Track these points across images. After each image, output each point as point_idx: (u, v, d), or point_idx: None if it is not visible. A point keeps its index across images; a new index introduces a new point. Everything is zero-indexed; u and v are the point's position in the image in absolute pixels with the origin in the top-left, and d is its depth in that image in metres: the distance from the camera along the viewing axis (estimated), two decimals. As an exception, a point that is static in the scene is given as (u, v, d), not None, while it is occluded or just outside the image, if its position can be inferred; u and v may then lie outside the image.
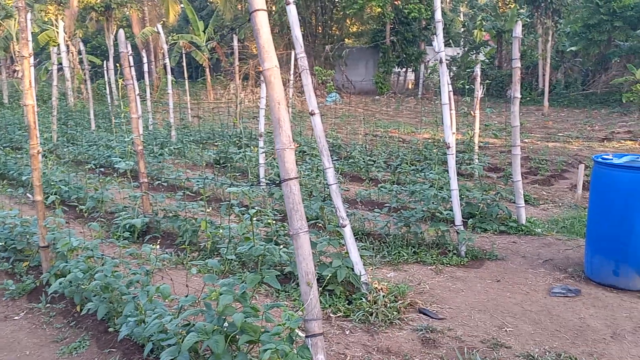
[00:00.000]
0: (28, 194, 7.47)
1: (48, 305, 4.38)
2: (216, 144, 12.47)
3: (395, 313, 4.11)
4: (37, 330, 4.05)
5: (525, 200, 6.63)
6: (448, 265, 5.21)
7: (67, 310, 4.26)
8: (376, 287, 4.41)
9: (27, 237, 5.19)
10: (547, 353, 3.54)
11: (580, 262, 5.08)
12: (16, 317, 4.27)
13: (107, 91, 18.14)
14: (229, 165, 10.14)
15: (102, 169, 8.42)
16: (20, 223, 5.27)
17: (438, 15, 5.40)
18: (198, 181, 7.62)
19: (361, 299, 4.27)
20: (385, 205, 6.57)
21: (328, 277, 4.31)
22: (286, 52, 20.55)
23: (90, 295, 3.99)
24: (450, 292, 4.58)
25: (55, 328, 4.05)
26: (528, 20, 24.62)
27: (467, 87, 7.26)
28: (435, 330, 3.88)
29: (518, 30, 6.24)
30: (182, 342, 2.99)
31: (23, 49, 4.66)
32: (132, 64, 6.84)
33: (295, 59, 4.56)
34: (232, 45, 14.33)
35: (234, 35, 14.57)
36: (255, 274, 3.14)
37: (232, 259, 4.92)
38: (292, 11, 4.41)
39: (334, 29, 31.84)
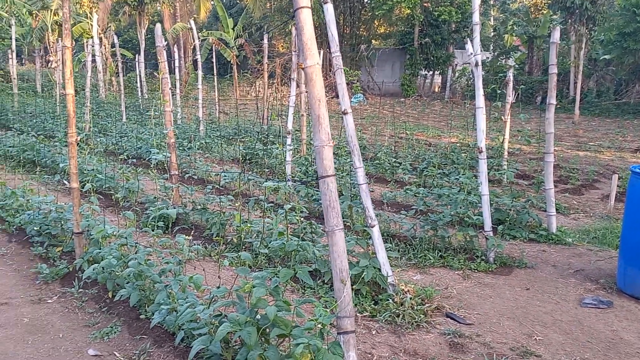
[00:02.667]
0: (64, 181, 7.64)
1: (81, 290, 4.47)
2: (243, 140, 12.57)
3: (422, 316, 4.10)
4: (69, 314, 4.14)
5: (556, 209, 6.54)
6: (476, 270, 5.16)
7: (99, 296, 4.34)
8: (403, 289, 4.40)
9: (62, 223, 5.31)
10: (578, 363, 3.50)
11: (613, 274, 5.00)
12: (49, 301, 4.37)
13: (138, 84, 18.39)
14: (255, 161, 10.21)
15: (133, 160, 8.55)
16: (55, 209, 5.39)
17: (476, 18, 5.35)
18: (226, 175, 7.71)
19: (388, 300, 4.26)
20: (412, 207, 6.54)
21: (355, 277, 4.31)
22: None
23: (123, 282, 4.07)
24: (478, 298, 4.55)
25: (87, 313, 4.13)
26: (561, 26, 24.27)
27: (498, 91, 7.17)
28: (463, 335, 3.85)
29: (556, 35, 6.15)
30: (213, 332, 3.03)
31: (65, 39, 4.76)
32: (165, 58, 6.94)
33: (327, 59, 4.58)
34: (259, 43, 14.43)
35: (264, 34, 14.68)
36: (288, 268, 3.16)
37: (261, 253, 4.96)
38: (329, 10, 4.41)
39: (361, 29, 31.79)
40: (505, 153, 9.11)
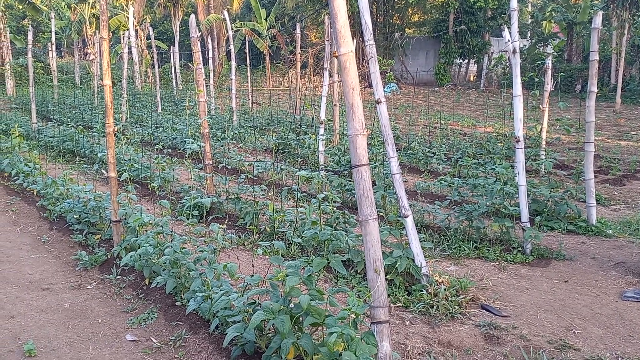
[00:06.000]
0: (102, 171, 7.82)
1: (118, 277, 4.57)
2: (275, 130, 12.61)
3: (456, 307, 4.04)
4: (108, 300, 4.24)
5: (596, 200, 6.35)
6: (512, 262, 5.07)
7: (136, 283, 4.43)
8: (437, 280, 4.35)
9: (100, 211, 5.43)
10: (619, 358, 3.39)
11: (656, 267, 4.83)
12: (89, 287, 4.49)
13: (173, 75, 18.63)
14: (287, 151, 10.24)
15: (168, 150, 8.68)
16: (93, 198, 5.52)
17: (514, 4, 5.21)
18: (259, 165, 7.75)
19: (421, 290, 4.22)
20: (446, 198, 6.46)
21: (388, 267, 4.28)
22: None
23: (159, 270, 4.14)
24: (514, 290, 4.46)
25: (125, 299, 4.23)
26: (602, 12, 23.47)
27: (536, 79, 6.99)
28: (499, 328, 3.79)
29: (598, 21, 5.94)
30: (247, 319, 3.06)
31: (103, 30, 4.84)
32: (199, 49, 6.99)
33: (360, 48, 4.51)
34: (292, 33, 14.42)
35: (297, 24, 14.65)
36: (322, 258, 3.15)
37: (294, 243, 4.97)
38: (363, -3, 4.35)
39: (395, 18, 31.42)
40: (543, 142, 8.86)
